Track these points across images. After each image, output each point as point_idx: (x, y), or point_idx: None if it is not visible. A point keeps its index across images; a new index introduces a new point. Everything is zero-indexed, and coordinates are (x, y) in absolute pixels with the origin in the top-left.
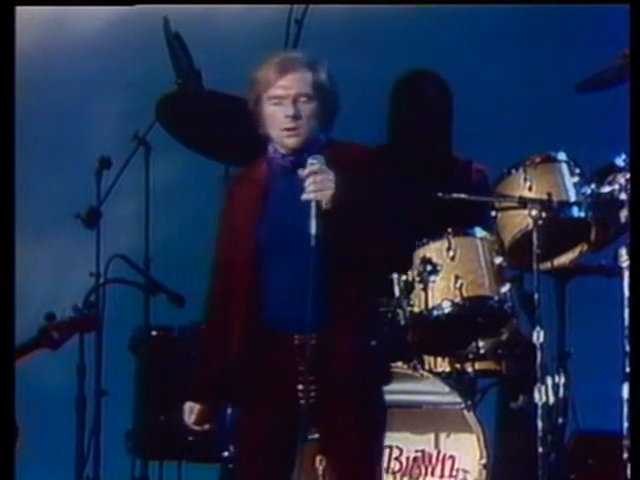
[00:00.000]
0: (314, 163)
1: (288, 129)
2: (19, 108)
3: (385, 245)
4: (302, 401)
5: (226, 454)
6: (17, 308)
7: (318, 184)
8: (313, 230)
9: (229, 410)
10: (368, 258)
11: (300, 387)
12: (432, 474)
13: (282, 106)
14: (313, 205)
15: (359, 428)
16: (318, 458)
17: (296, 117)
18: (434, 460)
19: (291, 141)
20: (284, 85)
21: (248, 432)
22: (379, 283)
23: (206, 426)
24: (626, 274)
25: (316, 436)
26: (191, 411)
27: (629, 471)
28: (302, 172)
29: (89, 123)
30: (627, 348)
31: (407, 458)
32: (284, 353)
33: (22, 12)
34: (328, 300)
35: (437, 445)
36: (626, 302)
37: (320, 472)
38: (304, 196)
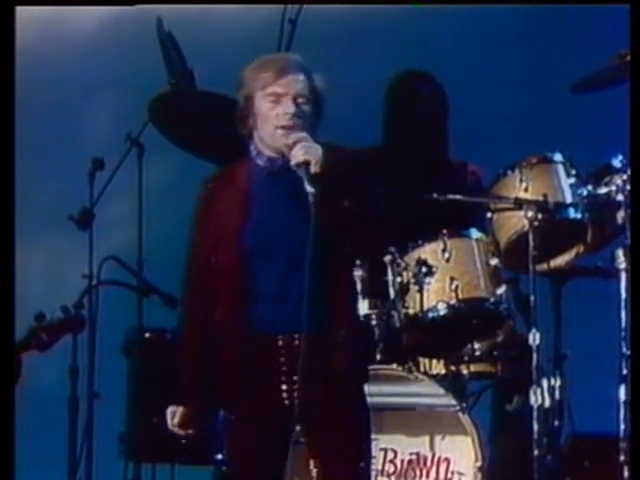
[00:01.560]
0: (300, 133)
1: (285, 127)
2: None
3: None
4: (286, 401)
5: (219, 457)
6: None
7: (306, 148)
8: (308, 188)
9: (221, 412)
10: (359, 228)
11: (284, 387)
12: (427, 476)
13: (281, 104)
14: (303, 168)
15: (347, 428)
16: (312, 461)
17: (295, 115)
18: (429, 462)
19: (284, 139)
20: (284, 84)
21: (238, 433)
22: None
23: (189, 430)
24: (623, 276)
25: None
26: (173, 415)
27: (626, 473)
28: (288, 141)
29: (82, 124)
30: (624, 350)
31: (402, 460)
32: (269, 354)
33: (22, 12)
34: (316, 300)
35: (432, 447)
36: (623, 304)
37: (314, 474)
38: (293, 161)
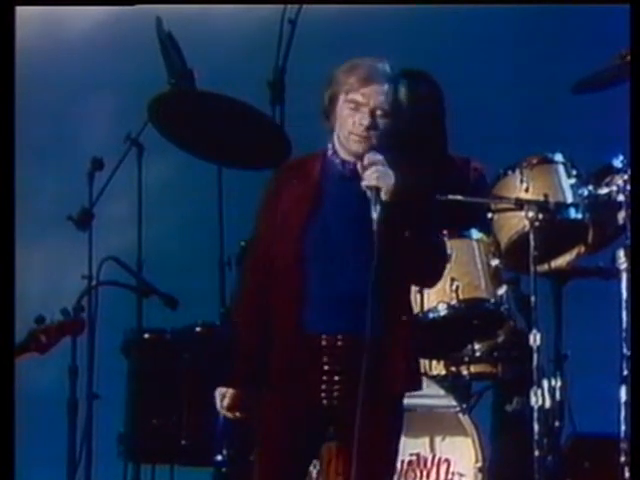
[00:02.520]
0: (376, 156)
1: (359, 136)
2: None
3: (434, 247)
4: (325, 401)
5: (219, 457)
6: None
7: (380, 173)
8: (375, 215)
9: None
10: (419, 258)
11: (324, 387)
12: (427, 477)
13: (358, 113)
14: (373, 192)
15: (384, 433)
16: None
17: (370, 127)
18: (429, 464)
19: (357, 146)
20: (365, 93)
21: (272, 426)
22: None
23: (237, 413)
24: (624, 276)
25: None
26: (223, 397)
27: (626, 474)
28: (363, 162)
29: (81, 124)
30: (624, 350)
31: (402, 462)
32: (312, 353)
33: (22, 12)
34: (377, 305)
35: (432, 448)
36: (624, 304)
37: (314, 476)
38: (365, 182)
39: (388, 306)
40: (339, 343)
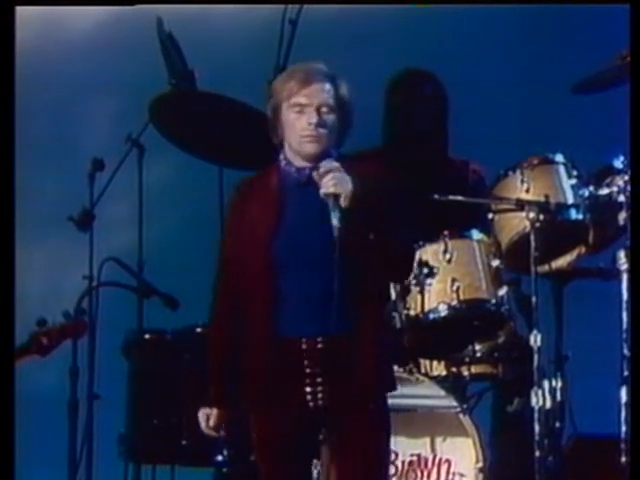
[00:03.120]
0: (331, 163)
1: (309, 136)
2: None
3: (399, 246)
4: (311, 403)
5: (219, 458)
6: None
7: (337, 179)
8: (335, 222)
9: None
10: (385, 259)
11: (308, 389)
12: (428, 478)
13: (304, 114)
14: (332, 199)
15: (371, 432)
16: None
17: (319, 125)
18: (430, 464)
19: (310, 146)
20: (308, 94)
21: (264, 435)
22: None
23: (222, 432)
24: (624, 277)
25: None
26: (207, 417)
27: (627, 475)
28: (319, 171)
29: (82, 124)
30: (625, 351)
31: (403, 462)
32: (292, 357)
33: (22, 12)
34: (345, 304)
35: (433, 449)
36: (624, 305)
37: (314, 476)
38: (323, 190)
39: (355, 306)
40: (319, 345)
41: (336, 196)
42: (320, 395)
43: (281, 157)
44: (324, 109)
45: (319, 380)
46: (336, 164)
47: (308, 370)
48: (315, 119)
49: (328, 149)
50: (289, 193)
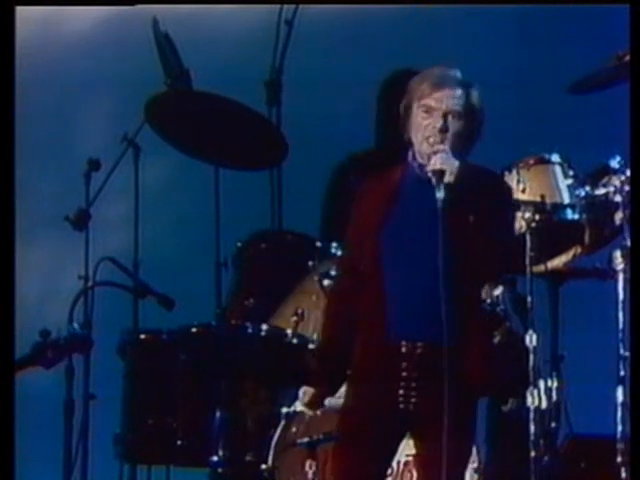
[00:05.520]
0: (441, 145)
1: (432, 138)
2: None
3: (504, 235)
4: (401, 405)
5: (215, 458)
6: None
7: (444, 158)
8: (439, 195)
9: (217, 414)
10: (486, 245)
11: (401, 392)
12: None
13: (432, 117)
14: (437, 175)
15: (459, 438)
16: (308, 462)
17: (443, 130)
18: None
19: (430, 149)
20: (438, 98)
21: (350, 426)
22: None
23: (313, 409)
24: (620, 277)
25: (305, 440)
26: (305, 393)
27: (623, 475)
28: (432, 148)
29: (78, 124)
30: (621, 351)
31: (398, 462)
32: (391, 359)
33: (22, 12)
34: (449, 310)
35: None
36: (620, 305)
37: (310, 476)
38: (429, 168)
39: (460, 308)
40: (418, 350)
41: (442, 172)
42: (413, 399)
43: (409, 153)
44: (451, 114)
45: (414, 385)
46: (445, 146)
47: (404, 374)
48: (440, 123)
49: (450, 154)
50: (408, 186)
